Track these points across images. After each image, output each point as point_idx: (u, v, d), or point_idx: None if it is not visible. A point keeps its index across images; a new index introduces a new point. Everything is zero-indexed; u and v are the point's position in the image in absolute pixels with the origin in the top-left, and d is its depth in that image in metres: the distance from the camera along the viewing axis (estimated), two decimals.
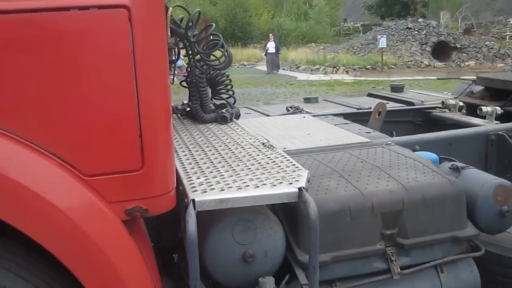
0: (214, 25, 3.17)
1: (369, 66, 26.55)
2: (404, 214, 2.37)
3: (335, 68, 26.24)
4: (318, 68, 26.87)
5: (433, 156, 2.98)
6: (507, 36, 35.42)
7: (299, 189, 2.02)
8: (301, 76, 25.01)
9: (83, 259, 1.68)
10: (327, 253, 2.25)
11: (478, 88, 4.70)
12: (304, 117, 4.06)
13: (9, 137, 1.61)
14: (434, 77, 21.09)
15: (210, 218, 2.11)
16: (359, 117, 4.22)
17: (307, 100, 5.11)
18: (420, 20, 33.35)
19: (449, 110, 4.23)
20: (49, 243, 1.64)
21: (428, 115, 4.35)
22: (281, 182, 2.08)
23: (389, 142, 3.11)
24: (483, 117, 3.82)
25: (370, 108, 4.43)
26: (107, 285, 1.72)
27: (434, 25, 31.72)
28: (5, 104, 1.60)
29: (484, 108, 3.78)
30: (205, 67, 3.18)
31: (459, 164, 2.77)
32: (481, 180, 2.62)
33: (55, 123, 1.65)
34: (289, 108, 4.47)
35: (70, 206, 1.66)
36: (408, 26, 30.95)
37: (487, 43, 29.92)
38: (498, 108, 3.80)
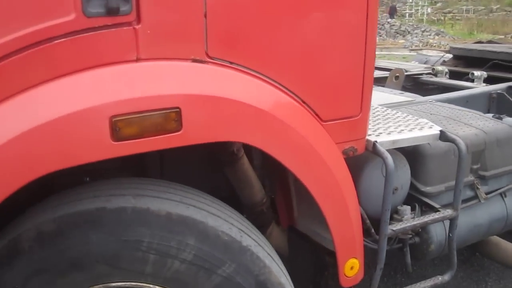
0: None
1: None
2: (485, 152, 3.00)
3: None
4: None
5: None
6: (407, 14, 38.35)
7: (441, 131, 2.54)
8: None
9: (326, 188, 2.06)
10: (442, 184, 2.81)
11: (448, 57, 5.53)
12: None
13: (281, 89, 1.94)
14: None
15: (362, 160, 2.55)
16: None
17: None
18: None
19: (436, 75, 4.97)
20: (301, 172, 1.98)
21: (417, 80, 5.06)
22: (422, 127, 2.58)
23: (431, 100, 3.73)
24: (472, 81, 4.60)
25: None
26: (340, 210, 2.11)
27: None
28: (284, 62, 1.92)
29: (475, 73, 4.56)
30: None
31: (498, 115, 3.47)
32: None
33: (311, 80, 2.00)
34: None
35: (319, 145, 2.02)
36: None
37: (389, 20, 32.13)
38: (484, 72, 4.61)
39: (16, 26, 1.49)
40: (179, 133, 1.67)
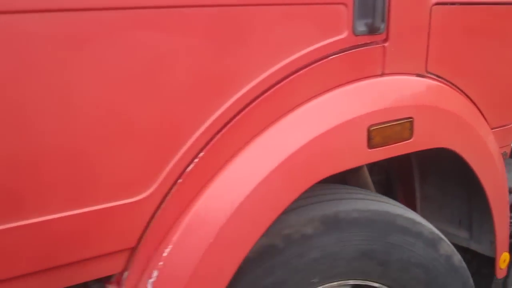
0: None
1: None
2: None
3: None
4: None
5: None
6: None
7: None
8: None
9: (498, 189, 2.27)
10: None
11: None
12: None
13: (469, 100, 2.15)
14: None
15: None
16: None
17: None
18: None
19: None
20: (483, 177, 2.18)
21: None
22: None
23: None
24: None
25: None
26: (503, 209, 2.33)
27: None
28: (473, 76, 2.15)
29: None
30: None
31: None
32: None
33: (488, 91, 2.24)
34: None
35: (494, 151, 2.24)
36: None
37: None
38: None
39: (302, 45, 1.62)
40: (410, 141, 1.86)
